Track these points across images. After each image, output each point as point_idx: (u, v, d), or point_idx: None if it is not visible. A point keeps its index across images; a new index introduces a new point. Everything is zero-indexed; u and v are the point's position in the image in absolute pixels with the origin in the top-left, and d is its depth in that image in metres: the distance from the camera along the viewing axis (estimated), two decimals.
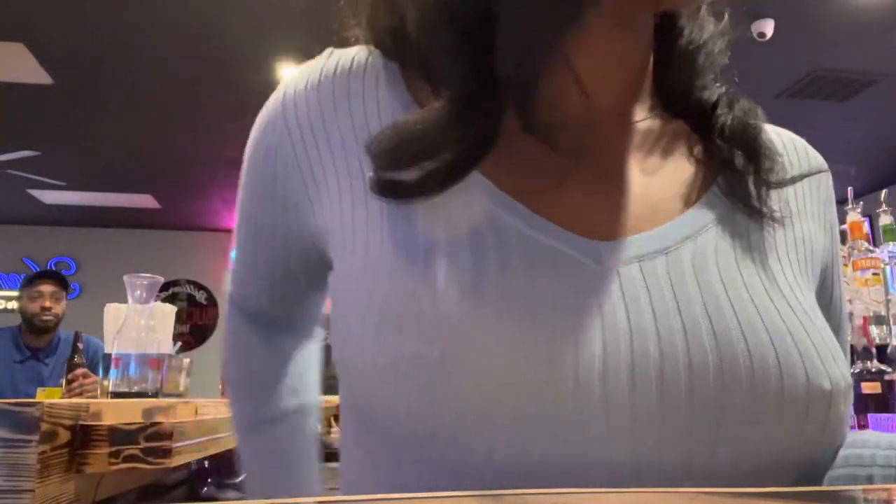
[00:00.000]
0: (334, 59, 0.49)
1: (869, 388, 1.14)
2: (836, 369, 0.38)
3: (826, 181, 0.52)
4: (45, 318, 2.87)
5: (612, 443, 0.34)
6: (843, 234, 1.35)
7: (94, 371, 2.28)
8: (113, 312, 1.38)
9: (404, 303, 0.37)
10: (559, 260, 0.38)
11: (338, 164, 0.44)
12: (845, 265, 1.28)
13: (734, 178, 0.44)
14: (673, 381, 0.34)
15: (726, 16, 0.51)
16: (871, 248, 1.32)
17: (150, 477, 1.27)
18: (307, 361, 0.63)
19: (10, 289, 7.41)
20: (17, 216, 7.27)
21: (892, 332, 1.26)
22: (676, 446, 0.34)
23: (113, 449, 0.69)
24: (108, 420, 0.71)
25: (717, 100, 0.48)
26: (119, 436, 0.70)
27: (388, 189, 0.40)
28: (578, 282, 0.37)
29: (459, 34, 0.40)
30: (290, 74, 0.50)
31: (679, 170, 0.45)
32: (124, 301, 1.22)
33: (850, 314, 1.24)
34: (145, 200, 6.79)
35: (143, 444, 0.72)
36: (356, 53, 0.48)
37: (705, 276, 0.38)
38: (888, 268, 1.33)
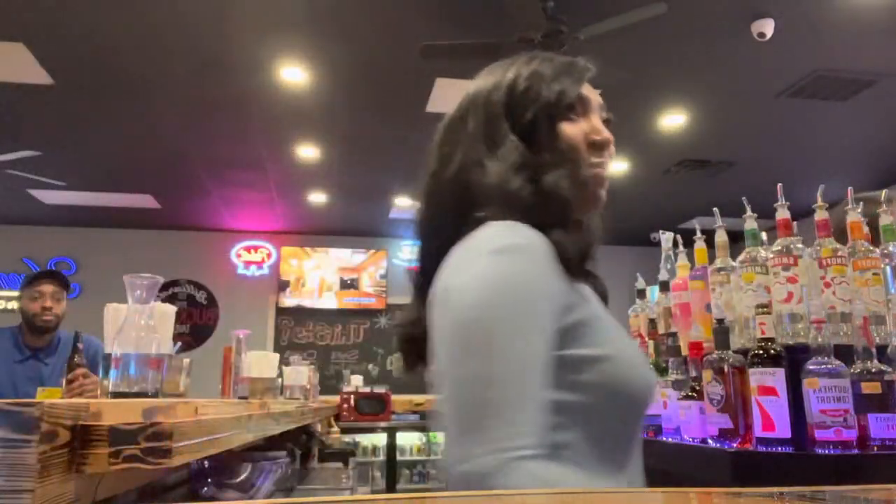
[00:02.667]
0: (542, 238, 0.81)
1: (869, 388, 1.14)
2: None
3: None
4: (45, 317, 2.87)
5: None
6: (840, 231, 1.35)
7: (94, 371, 2.28)
8: (113, 312, 1.38)
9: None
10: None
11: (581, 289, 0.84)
12: (845, 265, 1.28)
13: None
14: None
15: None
16: (871, 248, 1.32)
17: (150, 477, 1.27)
18: None
19: (10, 289, 7.41)
20: (17, 216, 7.27)
21: (893, 332, 1.26)
22: None
23: (113, 449, 0.69)
24: (108, 420, 0.71)
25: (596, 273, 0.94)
26: (119, 436, 0.70)
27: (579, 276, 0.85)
28: None
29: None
30: (530, 238, 0.80)
31: None
32: (124, 301, 1.22)
33: (850, 314, 1.24)
34: (145, 200, 6.79)
35: (143, 444, 0.71)
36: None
37: None
38: (888, 268, 1.32)
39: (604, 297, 0.92)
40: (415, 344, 0.90)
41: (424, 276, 0.89)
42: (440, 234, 0.87)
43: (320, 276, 8.04)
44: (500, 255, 0.75)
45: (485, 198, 0.83)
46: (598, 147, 0.89)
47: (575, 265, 0.81)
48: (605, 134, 0.90)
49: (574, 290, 0.80)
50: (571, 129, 0.89)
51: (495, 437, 0.67)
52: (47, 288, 2.90)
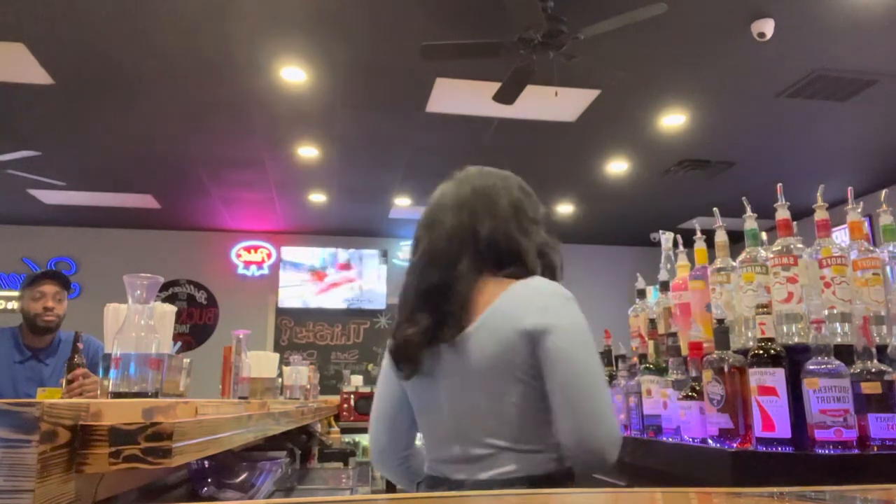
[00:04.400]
0: None
1: (869, 388, 1.14)
2: None
3: None
4: (47, 318, 2.86)
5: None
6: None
7: (94, 371, 2.28)
8: (113, 312, 1.38)
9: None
10: None
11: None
12: (845, 265, 1.28)
13: None
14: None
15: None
16: (871, 248, 1.32)
17: (150, 477, 1.27)
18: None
19: (10, 289, 7.41)
20: (17, 216, 7.27)
21: (893, 332, 1.26)
22: None
23: (113, 449, 0.69)
24: (108, 420, 0.71)
25: None
26: (119, 436, 0.69)
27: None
28: None
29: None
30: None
31: None
32: (124, 301, 1.22)
33: (850, 314, 1.24)
34: (145, 200, 6.79)
35: (143, 444, 0.71)
36: None
37: None
38: (888, 268, 1.32)
39: None
40: (417, 349, 1.19)
41: (435, 299, 1.21)
42: (447, 271, 1.20)
43: (320, 276, 8.03)
44: (573, 301, 1.16)
45: (512, 258, 1.22)
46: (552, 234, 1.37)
47: None
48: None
49: None
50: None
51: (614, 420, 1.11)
52: (49, 288, 2.89)
